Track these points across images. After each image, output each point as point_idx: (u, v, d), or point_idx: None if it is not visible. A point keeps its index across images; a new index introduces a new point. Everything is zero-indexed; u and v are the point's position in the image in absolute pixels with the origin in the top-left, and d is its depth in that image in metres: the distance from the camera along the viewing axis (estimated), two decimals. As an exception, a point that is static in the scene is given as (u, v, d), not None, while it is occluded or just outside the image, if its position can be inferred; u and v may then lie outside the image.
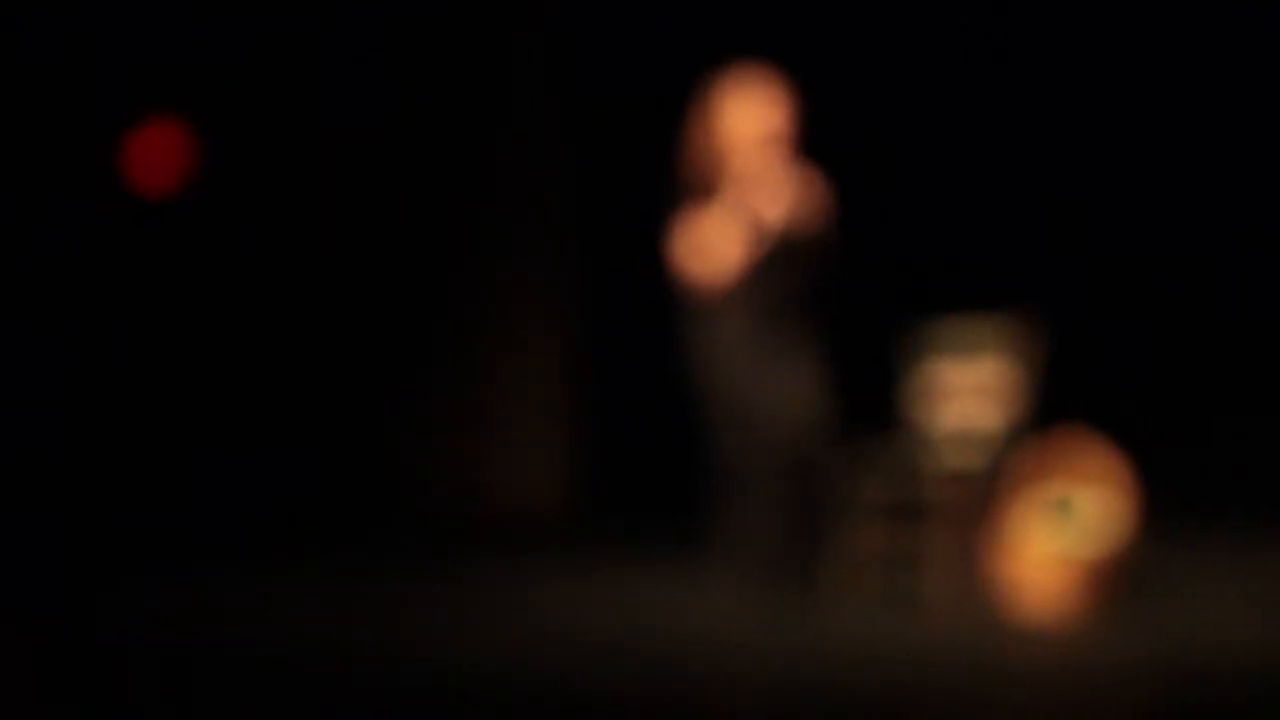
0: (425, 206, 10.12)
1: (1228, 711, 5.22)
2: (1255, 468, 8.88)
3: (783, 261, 5.88)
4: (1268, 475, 8.80)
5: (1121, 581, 6.51)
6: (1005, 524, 6.60)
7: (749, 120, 5.79)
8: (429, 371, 10.15)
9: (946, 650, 6.12)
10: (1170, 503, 7.13)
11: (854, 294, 6.78)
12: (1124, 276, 9.27)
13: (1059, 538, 6.49)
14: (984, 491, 6.57)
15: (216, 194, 9.78)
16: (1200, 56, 9.41)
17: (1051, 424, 6.78)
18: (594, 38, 9.90)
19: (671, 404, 9.31)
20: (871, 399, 7.06)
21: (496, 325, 10.11)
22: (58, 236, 9.61)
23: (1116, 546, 6.48)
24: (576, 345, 10.00)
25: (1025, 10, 9.51)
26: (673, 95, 9.54)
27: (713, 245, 5.84)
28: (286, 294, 10.04)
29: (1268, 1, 9.18)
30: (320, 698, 5.61)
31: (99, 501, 9.24)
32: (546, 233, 10.12)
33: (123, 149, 9.40)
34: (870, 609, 6.47)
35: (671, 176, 6.08)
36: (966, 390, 6.59)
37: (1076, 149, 9.36)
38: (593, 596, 7.49)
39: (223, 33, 9.97)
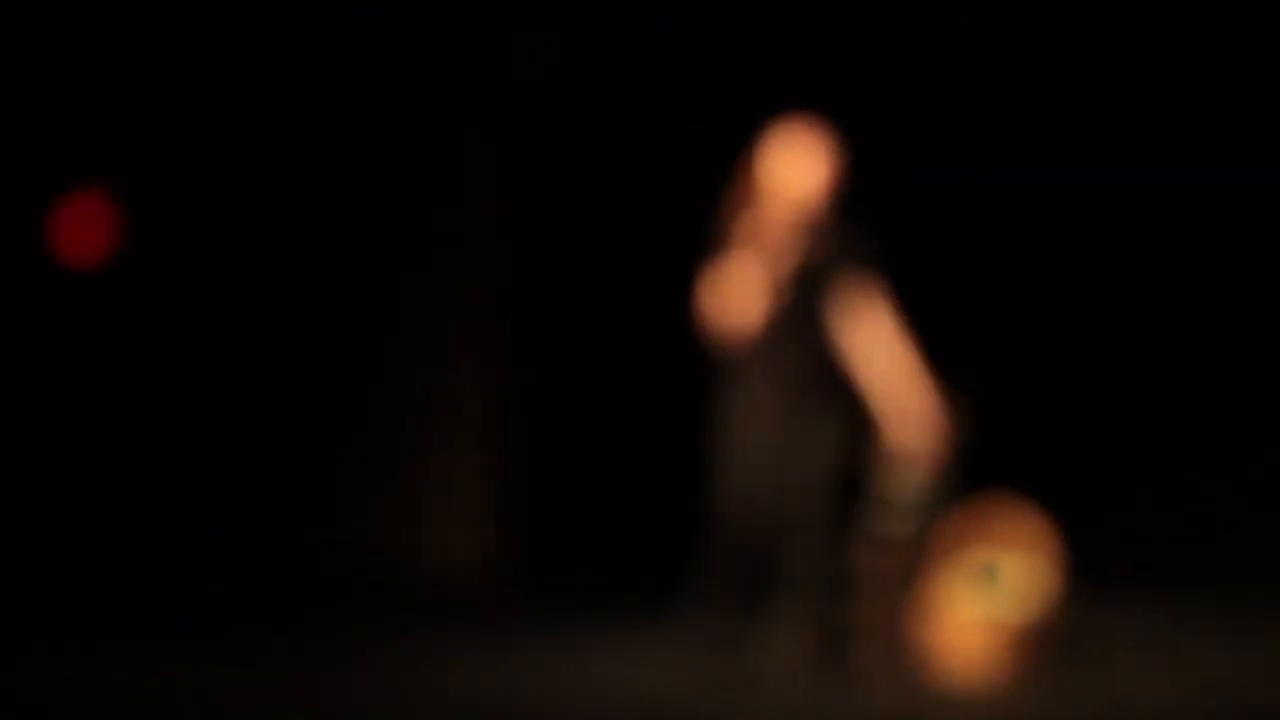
0: (353, 275, 10.11)
1: None
2: (1179, 533, 8.97)
3: (813, 319, 5.86)
4: (1191, 540, 8.93)
5: (1048, 647, 6.55)
6: (932, 590, 6.60)
7: (795, 176, 5.79)
8: (351, 440, 10.13)
9: (876, 715, 6.15)
10: (1095, 568, 7.18)
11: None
12: (1049, 345, 9.29)
13: (985, 604, 6.51)
14: (912, 558, 6.54)
15: (142, 266, 9.73)
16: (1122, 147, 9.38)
17: (977, 490, 6.77)
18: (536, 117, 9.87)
19: (598, 471, 9.46)
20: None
21: (420, 394, 10.13)
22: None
23: (1042, 612, 6.51)
24: (501, 413, 9.98)
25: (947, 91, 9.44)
26: (605, 158, 9.59)
27: (742, 298, 5.79)
28: (207, 364, 9.95)
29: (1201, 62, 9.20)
30: None
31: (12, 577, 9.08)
32: (475, 301, 10.09)
33: (50, 221, 9.37)
34: (801, 676, 6.40)
35: (711, 228, 6.06)
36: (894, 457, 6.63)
37: (987, 221, 9.27)
38: (514, 666, 7.44)
39: (149, 97, 9.97)
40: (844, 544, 6.28)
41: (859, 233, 5.90)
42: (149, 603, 8.99)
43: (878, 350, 5.93)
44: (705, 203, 6.36)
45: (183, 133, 9.70)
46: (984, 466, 6.77)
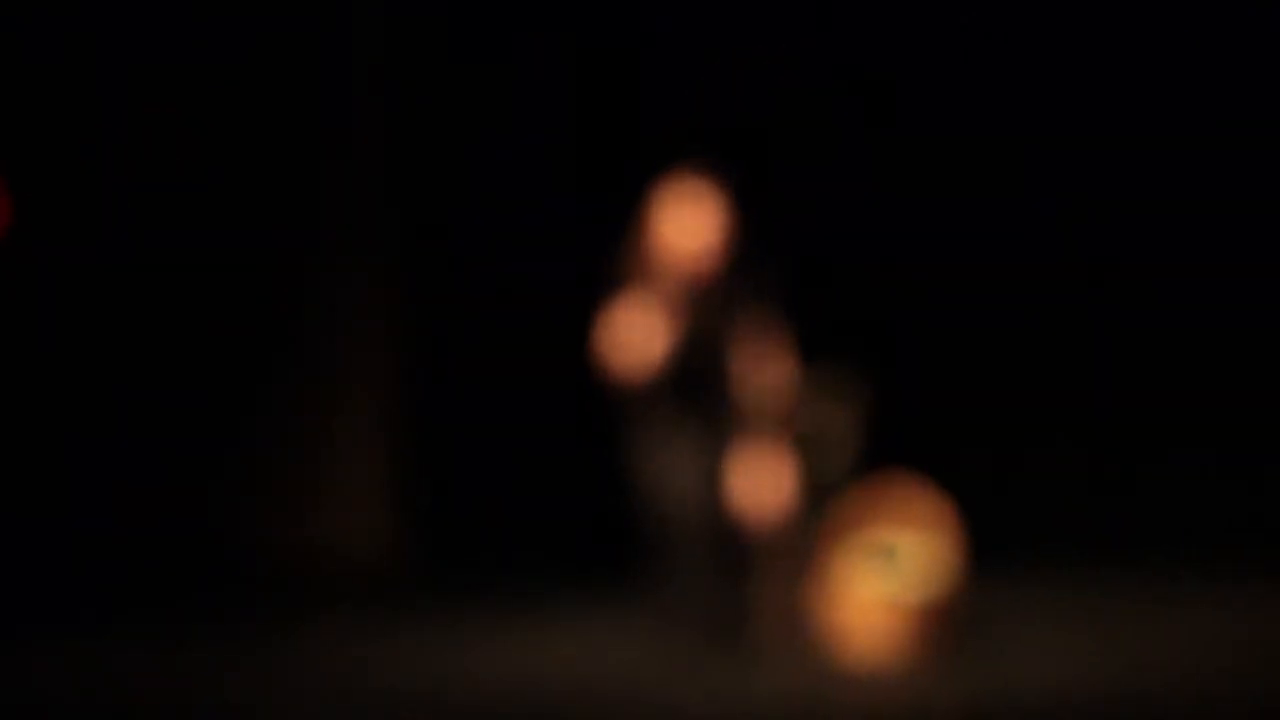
0: (251, 264, 10.07)
1: None
2: (1076, 511, 9.07)
3: (708, 353, 6.31)
4: (1087, 517, 9.02)
5: (947, 624, 6.60)
6: (832, 570, 6.64)
7: (686, 229, 6.19)
8: (255, 428, 10.10)
9: (776, 696, 6.22)
10: (993, 546, 7.23)
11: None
12: (942, 326, 9.42)
13: (885, 583, 6.55)
14: (811, 538, 6.63)
15: (35, 244, 9.63)
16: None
17: (875, 471, 6.91)
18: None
19: (495, 458, 9.46)
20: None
21: (323, 382, 10.09)
22: None
23: (941, 590, 6.55)
24: (402, 400, 9.96)
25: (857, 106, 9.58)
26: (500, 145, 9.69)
27: (637, 339, 6.26)
28: (112, 347, 9.88)
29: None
30: None
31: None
32: (372, 290, 10.09)
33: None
34: (705, 656, 6.50)
35: (608, 270, 6.45)
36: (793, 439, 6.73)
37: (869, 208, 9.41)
38: (415, 645, 7.49)
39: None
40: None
41: (754, 274, 6.29)
42: (59, 593, 8.94)
43: (769, 370, 6.34)
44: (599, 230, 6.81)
45: (82, 131, 9.74)
46: (882, 447, 6.99)
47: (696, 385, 6.38)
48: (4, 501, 9.51)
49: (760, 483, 6.47)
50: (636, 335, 6.24)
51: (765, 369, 6.41)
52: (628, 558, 7.13)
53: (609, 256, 6.53)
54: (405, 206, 10.05)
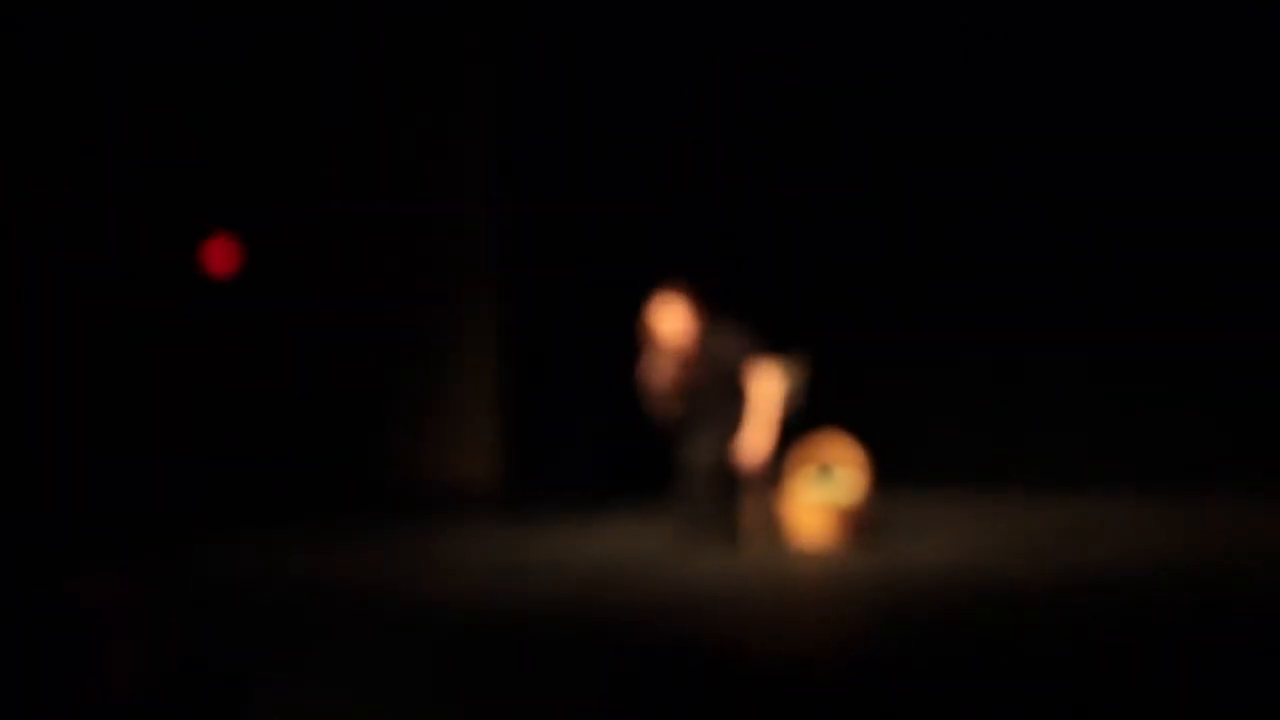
0: (391, 245, 11.28)
1: (934, 603, 6.25)
2: (958, 449, 10.00)
3: (697, 378, 7.88)
4: (967, 454, 9.95)
5: (864, 522, 7.75)
6: (789, 485, 7.78)
7: (664, 321, 7.85)
8: (391, 380, 11.27)
9: (752, 569, 7.34)
10: (896, 473, 8.43)
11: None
12: (858, 324, 10.20)
13: (822, 493, 7.75)
14: (776, 464, 7.80)
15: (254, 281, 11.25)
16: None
17: (817, 424, 8.06)
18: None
19: (572, 405, 10.59)
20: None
21: (444, 345, 11.25)
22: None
23: (859, 499, 7.70)
24: (502, 361, 10.95)
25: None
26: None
27: (658, 377, 7.85)
28: (289, 328, 11.31)
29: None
30: (338, 621, 6.36)
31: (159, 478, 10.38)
32: (485, 269, 11.13)
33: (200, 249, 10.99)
34: (707, 546, 7.73)
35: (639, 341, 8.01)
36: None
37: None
38: (509, 539, 8.42)
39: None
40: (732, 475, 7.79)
41: (720, 331, 7.85)
42: (247, 504, 9.99)
43: (754, 388, 7.76)
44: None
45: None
46: (819, 409, 8.13)
47: (702, 397, 7.84)
48: (209, 439, 10.94)
49: (748, 442, 7.67)
50: (657, 377, 7.85)
51: (752, 384, 7.73)
52: (661, 485, 8.27)
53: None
54: (509, 213, 10.92)
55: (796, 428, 7.98)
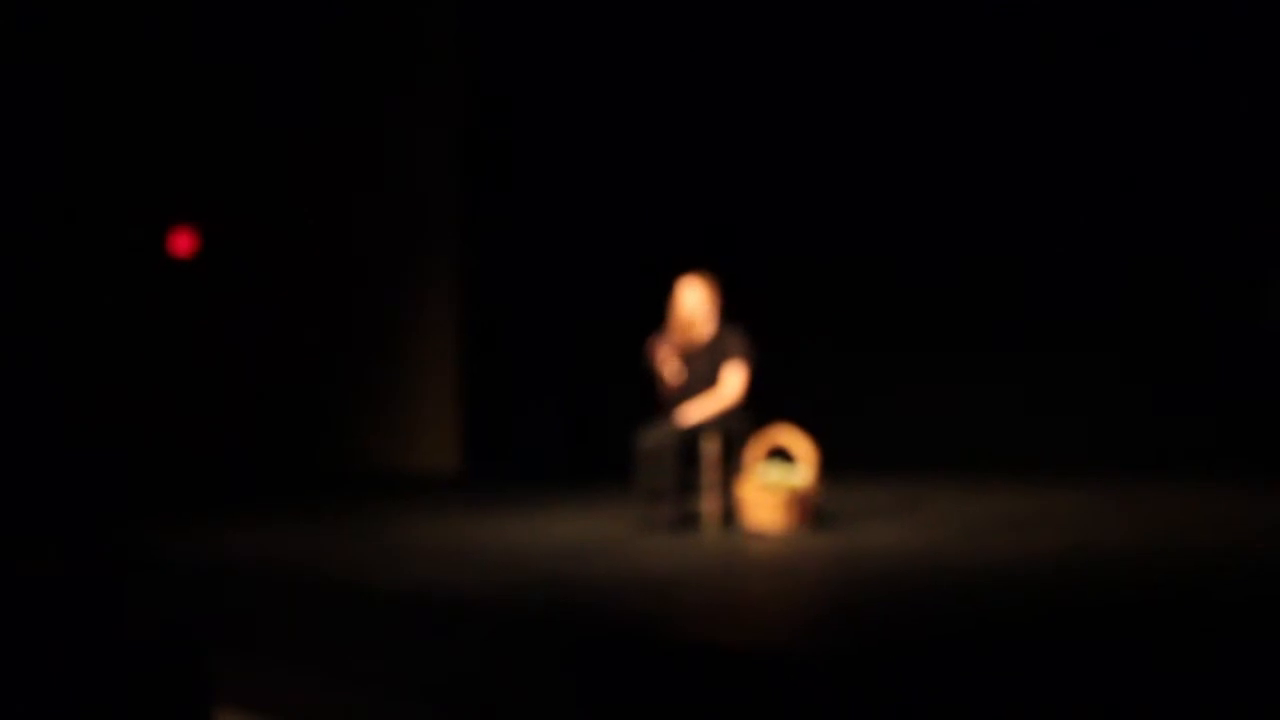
0: (351, 233, 11.47)
1: (875, 577, 6.47)
2: (899, 442, 10.42)
3: (693, 367, 8.20)
4: (906, 447, 10.35)
5: (810, 506, 8.00)
6: (746, 470, 8.01)
7: (686, 302, 8.20)
8: (358, 373, 11.47)
9: (709, 549, 7.59)
10: (841, 464, 8.60)
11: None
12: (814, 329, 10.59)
13: (775, 477, 7.98)
14: (736, 450, 8.06)
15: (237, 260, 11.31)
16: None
17: (771, 420, 8.19)
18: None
19: (532, 398, 10.79)
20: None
21: (409, 340, 11.45)
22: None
23: (807, 485, 7.93)
24: (465, 354, 11.09)
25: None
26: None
27: (664, 355, 8.14)
28: (249, 316, 11.55)
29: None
30: (294, 604, 6.46)
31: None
32: (445, 256, 11.30)
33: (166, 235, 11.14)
34: (665, 529, 7.93)
35: (662, 325, 8.21)
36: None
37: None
38: (472, 525, 8.54)
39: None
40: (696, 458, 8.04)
41: (728, 330, 8.23)
42: (205, 489, 10.18)
43: (726, 381, 8.11)
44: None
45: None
46: (775, 408, 8.30)
47: (693, 385, 8.16)
48: (168, 424, 11.17)
49: (691, 409, 8.02)
50: (665, 358, 8.13)
51: (724, 375, 8.07)
52: (621, 473, 8.33)
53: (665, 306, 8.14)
54: (470, 201, 11.02)
55: (756, 424, 8.21)
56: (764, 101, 10.72)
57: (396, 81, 11.20)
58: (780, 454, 8.10)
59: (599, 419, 10.25)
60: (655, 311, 8.42)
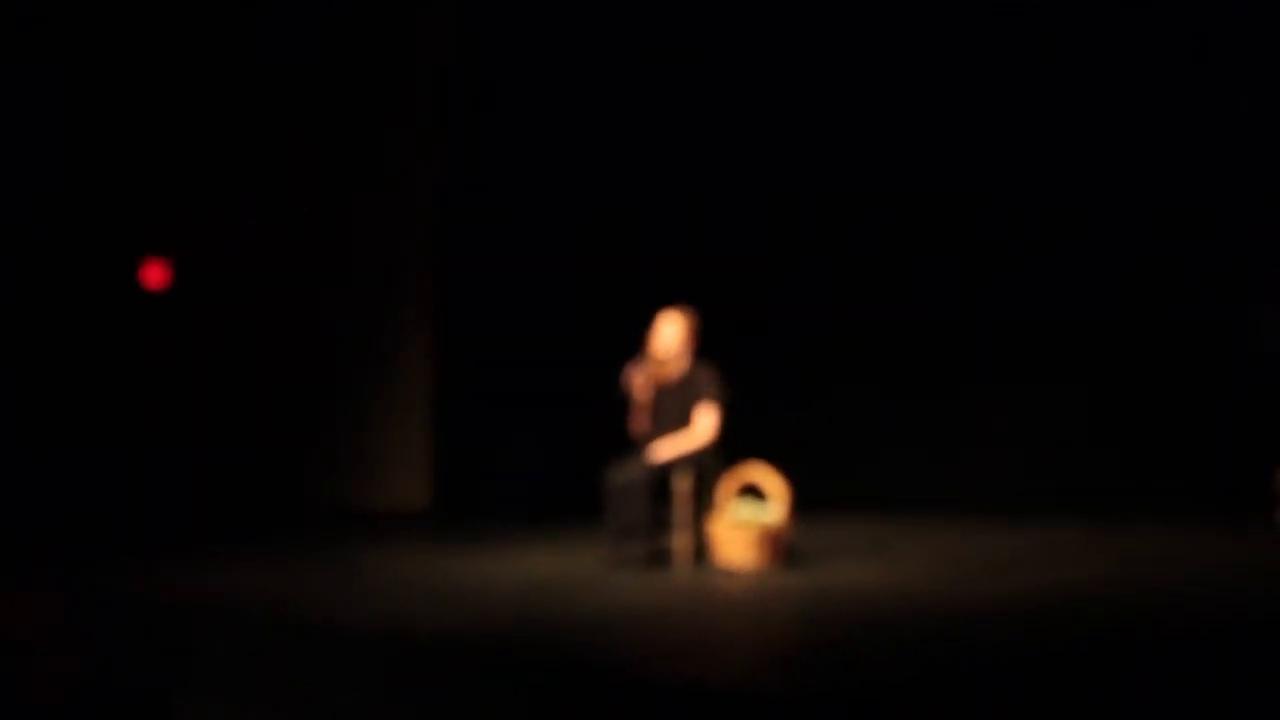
0: (324, 267, 11.44)
1: (847, 616, 6.43)
2: (866, 481, 10.54)
3: (671, 401, 8.26)
4: (874, 485, 10.52)
5: (782, 544, 8.02)
6: (718, 507, 8.03)
7: (664, 334, 8.26)
8: (332, 414, 11.48)
9: (682, 585, 7.59)
10: (814, 502, 8.68)
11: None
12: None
13: (746, 514, 8.01)
14: (708, 488, 8.10)
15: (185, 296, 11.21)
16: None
17: (741, 458, 8.21)
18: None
19: (503, 436, 10.78)
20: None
21: (377, 368, 11.46)
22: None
23: (779, 523, 7.96)
24: (436, 395, 11.18)
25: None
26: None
27: (640, 387, 8.17)
28: (221, 349, 11.45)
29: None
30: (261, 640, 6.38)
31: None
32: (418, 291, 11.35)
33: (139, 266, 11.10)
34: (636, 565, 7.94)
35: (638, 354, 8.28)
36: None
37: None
38: (445, 562, 8.55)
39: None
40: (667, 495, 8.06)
41: (702, 366, 8.28)
42: (176, 523, 10.09)
43: (699, 420, 8.16)
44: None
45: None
46: (747, 445, 8.32)
47: (663, 421, 8.24)
48: (141, 457, 11.06)
49: (663, 446, 8.04)
50: (639, 386, 8.21)
51: (697, 415, 8.13)
52: (592, 510, 8.32)
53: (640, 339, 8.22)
54: (444, 235, 11.08)
55: (727, 461, 8.23)
56: (734, 135, 10.84)
57: (373, 123, 11.33)
58: (752, 491, 8.08)
59: (571, 455, 10.17)
60: (628, 348, 8.46)
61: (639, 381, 8.19)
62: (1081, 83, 9.90)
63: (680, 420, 8.16)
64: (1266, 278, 9.61)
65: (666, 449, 8.11)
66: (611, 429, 8.51)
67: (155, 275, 11.39)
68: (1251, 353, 9.57)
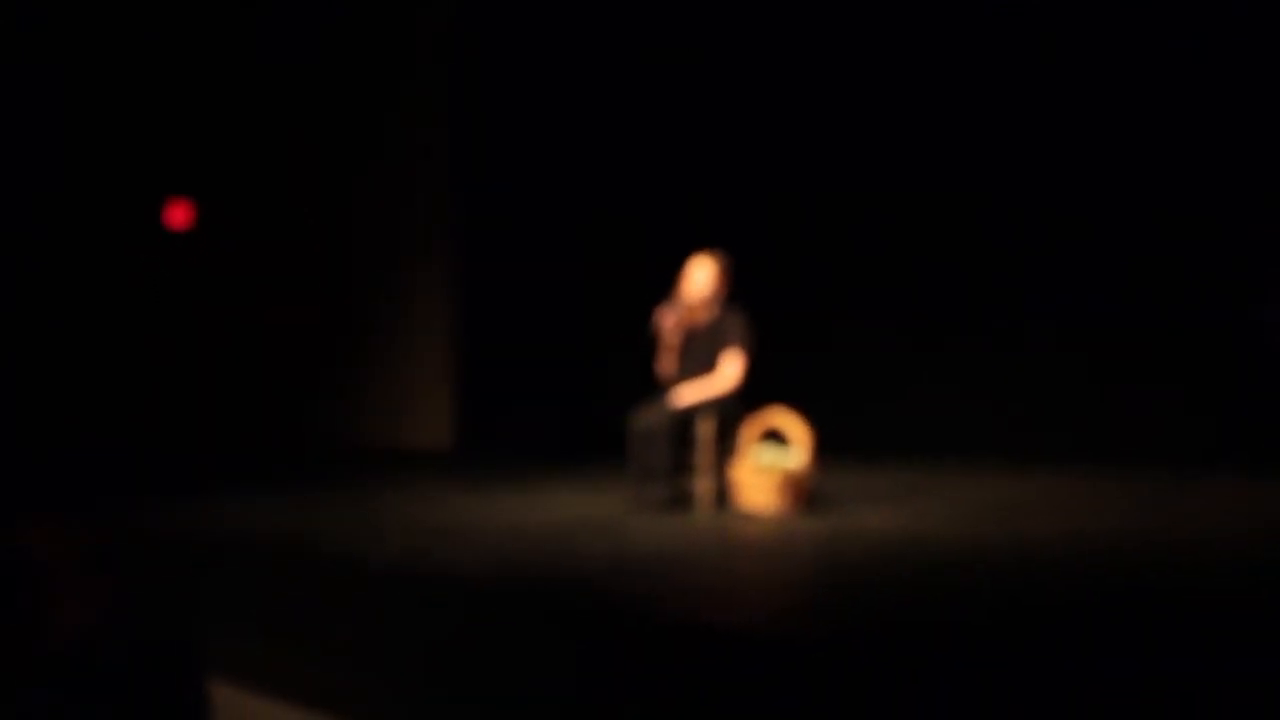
0: (344, 211, 11.50)
1: (867, 561, 6.45)
2: (886, 427, 10.49)
3: (699, 345, 8.25)
4: (894, 431, 10.48)
5: (804, 489, 8.05)
6: (741, 452, 8.09)
7: (695, 277, 8.23)
8: (357, 356, 11.54)
9: (703, 528, 7.64)
10: (836, 448, 8.77)
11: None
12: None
13: (769, 458, 8.04)
14: (731, 432, 8.14)
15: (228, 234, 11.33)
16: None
17: (763, 402, 8.25)
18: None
19: (526, 376, 10.83)
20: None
21: (398, 304, 11.53)
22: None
23: (802, 468, 7.99)
24: (458, 335, 11.28)
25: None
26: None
27: (670, 330, 8.18)
28: (243, 293, 11.58)
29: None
30: (287, 579, 6.43)
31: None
32: (438, 233, 11.40)
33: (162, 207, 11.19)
34: (658, 506, 8.01)
35: (669, 294, 8.28)
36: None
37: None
38: (465, 501, 8.61)
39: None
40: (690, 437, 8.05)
41: (733, 312, 8.26)
42: (198, 464, 10.21)
43: (724, 367, 8.13)
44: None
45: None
46: (770, 390, 8.33)
47: (691, 365, 8.23)
48: (165, 398, 11.15)
49: (685, 390, 8.07)
50: (668, 328, 8.24)
51: (722, 361, 8.12)
52: (614, 450, 8.50)
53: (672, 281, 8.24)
54: (467, 206, 11.14)
55: (751, 406, 8.24)
56: (762, 91, 10.80)
57: (391, 63, 11.30)
58: (775, 436, 8.11)
59: (594, 397, 10.22)
60: (651, 289, 8.48)
61: (668, 324, 8.20)
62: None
63: (707, 365, 8.16)
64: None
65: (690, 393, 8.13)
66: (636, 370, 8.57)
67: (179, 216, 11.36)
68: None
